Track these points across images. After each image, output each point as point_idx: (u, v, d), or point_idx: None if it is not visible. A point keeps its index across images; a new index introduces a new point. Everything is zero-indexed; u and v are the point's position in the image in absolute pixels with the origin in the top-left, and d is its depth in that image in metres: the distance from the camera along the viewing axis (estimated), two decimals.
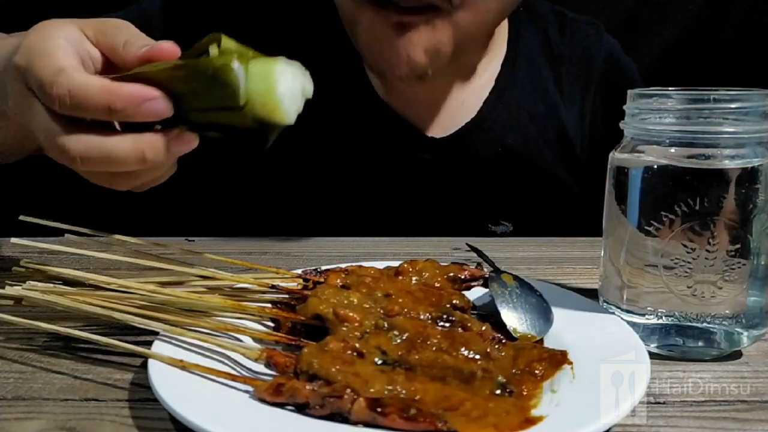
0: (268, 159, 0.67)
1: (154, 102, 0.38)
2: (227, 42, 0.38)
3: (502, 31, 0.79)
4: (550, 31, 0.81)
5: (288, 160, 0.77)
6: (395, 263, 0.50)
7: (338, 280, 0.46)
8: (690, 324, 0.43)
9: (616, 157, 0.45)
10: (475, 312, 0.47)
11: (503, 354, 0.41)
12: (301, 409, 0.34)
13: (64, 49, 0.40)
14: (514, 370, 0.39)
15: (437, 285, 0.48)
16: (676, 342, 0.44)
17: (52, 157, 0.41)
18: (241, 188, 0.80)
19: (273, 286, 0.47)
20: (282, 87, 0.38)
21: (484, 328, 0.43)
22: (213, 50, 0.38)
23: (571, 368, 0.39)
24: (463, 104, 0.77)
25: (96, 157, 0.39)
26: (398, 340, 0.40)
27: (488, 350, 0.40)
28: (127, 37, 0.42)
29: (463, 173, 0.78)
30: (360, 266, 0.49)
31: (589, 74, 0.80)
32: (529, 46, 0.80)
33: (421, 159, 0.76)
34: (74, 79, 0.38)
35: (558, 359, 0.40)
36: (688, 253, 0.42)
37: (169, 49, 0.39)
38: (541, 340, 0.44)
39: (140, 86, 0.38)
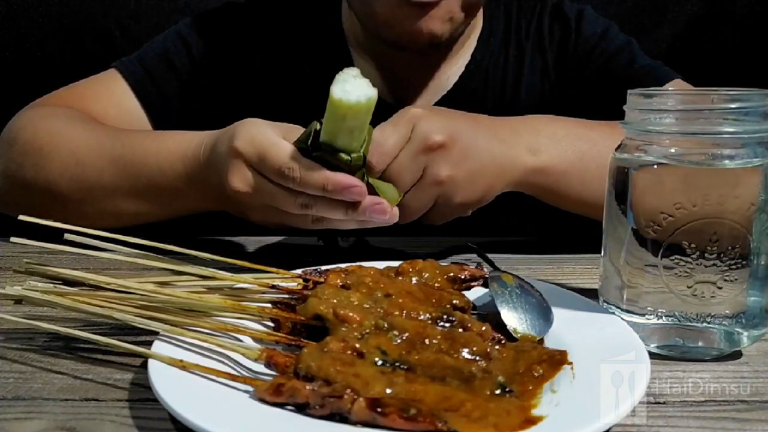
0: None
1: (355, 189, 0.53)
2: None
3: (478, 15, 0.84)
4: (510, 7, 0.86)
5: None
6: (395, 263, 0.50)
7: (338, 280, 0.46)
8: (690, 324, 0.43)
9: (617, 157, 0.45)
10: (475, 312, 0.47)
11: (504, 355, 0.41)
12: (301, 409, 0.34)
13: (284, 143, 0.55)
14: (513, 372, 0.39)
15: (437, 285, 0.48)
16: (676, 342, 0.44)
17: (256, 220, 0.60)
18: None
19: (273, 286, 0.47)
20: (352, 97, 0.50)
21: (484, 328, 0.43)
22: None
23: (571, 368, 0.39)
24: (439, 80, 0.83)
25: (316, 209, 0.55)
26: (398, 341, 0.40)
27: (488, 350, 0.40)
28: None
29: None
30: (360, 266, 0.49)
31: (541, 32, 0.85)
32: (499, 24, 0.86)
33: None
34: (304, 166, 0.53)
35: (558, 360, 0.40)
36: (688, 253, 0.42)
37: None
38: (542, 340, 0.44)
39: (346, 176, 0.53)
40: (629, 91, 0.45)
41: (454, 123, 0.60)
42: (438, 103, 0.81)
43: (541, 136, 0.64)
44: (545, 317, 0.45)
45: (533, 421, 0.33)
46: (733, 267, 0.41)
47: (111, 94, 0.79)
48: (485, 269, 0.50)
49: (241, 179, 0.56)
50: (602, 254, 0.47)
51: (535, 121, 0.66)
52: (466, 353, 0.40)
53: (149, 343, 0.40)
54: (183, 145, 0.63)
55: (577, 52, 0.83)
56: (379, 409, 0.33)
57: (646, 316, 0.44)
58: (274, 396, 0.35)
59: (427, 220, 0.62)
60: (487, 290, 0.48)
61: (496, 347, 0.41)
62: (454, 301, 0.45)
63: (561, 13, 0.85)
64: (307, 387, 0.34)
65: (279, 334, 0.42)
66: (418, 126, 0.58)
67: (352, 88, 0.50)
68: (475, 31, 0.84)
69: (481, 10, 0.84)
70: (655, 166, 0.43)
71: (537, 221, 0.80)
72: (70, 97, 0.78)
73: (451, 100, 0.81)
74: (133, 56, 0.82)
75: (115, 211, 0.67)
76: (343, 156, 0.53)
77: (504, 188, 0.63)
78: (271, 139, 0.55)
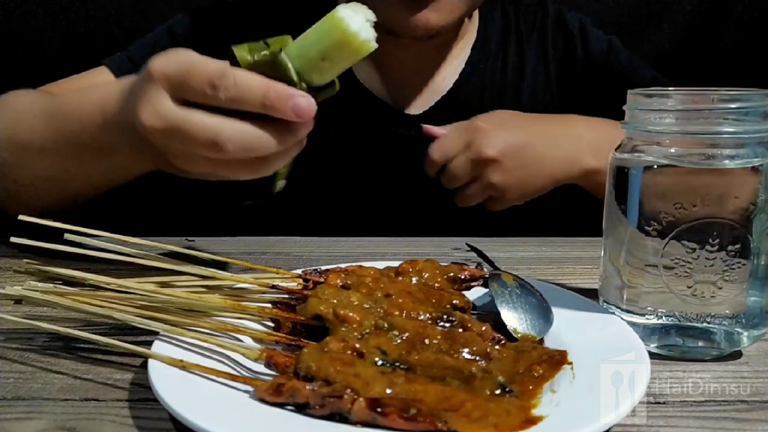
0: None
1: (302, 98, 0.43)
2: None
3: (474, 15, 0.85)
4: (508, 9, 0.87)
5: None
6: (395, 263, 0.50)
7: (338, 281, 0.46)
8: (690, 324, 0.43)
9: (616, 157, 0.45)
10: (475, 312, 0.47)
11: (504, 355, 0.41)
12: (301, 409, 0.34)
13: (213, 60, 0.45)
14: (513, 372, 0.39)
15: (437, 285, 0.48)
16: (676, 342, 0.44)
17: (184, 171, 0.50)
18: (241, 187, 0.80)
19: (273, 286, 0.47)
20: (353, 25, 0.43)
21: (484, 328, 0.43)
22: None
23: (571, 368, 0.39)
24: (436, 83, 0.83)
25: (248, 139, 0.44)
26: (398, 341, 0.40)
27: (488, 350, 0.40)
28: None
29: None
30: (360, 266, 0.49)
31: (544, 41, 0.85)
32: (496, 26, 0.86)
33: (401, 135, 0.81)
34: (239, 74, 0.43)
35: (558, 360, 0.40)
36: (688, 253, 0.42)
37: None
38: (542, 340, 0.44)
39: (289, 87, 0.44)
40: (629, 91, 0.45)
41: (511, 139, 0.70)
42: (436, 106, 0.82)
43: (602, 141, 0.68)
44: (545, 317, 0.45)
45: (533, 421, 0.33)
46: (733, 267, 0.42)
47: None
48: (485, 269, 0.50)
49: (153, 112, 0.45)
50: (602, 254, 0.47)
51: (598, 123, 0.73)
52: (466, 353, 0.40)
53: (149, 343, 0.40)
54: (105, 93, 0.55)
55: (585, 66, 0.83)
56: (379, 409, 0.33)
57: (646, 316, 0.44)
58: (274, 396, 0.35)
59: (486, 207, 0.74)
60: (487, 290, 0.48)
61: (496, 347, 0.41)
62: (454, 301, 0.45)
63: (564, 25, 0.85)
64: (307, 387, 0.34)
65: (279, 334, 0.42)
66: (477, 139, 0.70)
67: (359, 23, 0.44)
68: (470, 32, 0.84)
69: (477, 11, 0.84)
70: (655, 166, 0.43)
71: (538, 221, 0.80)
72: (53, 90, 0.75)
73: (449, 103, 0.82)
74: (124, 53, 0.81)
75: (46, 175, 0.63)
76: (293, 77, 0.45)
77: (558, 184, 0.73)
78: (197, 56, 0.46)
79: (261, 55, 0.45)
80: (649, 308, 0.44)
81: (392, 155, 0.80)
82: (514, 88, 0.84)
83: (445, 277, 0.49)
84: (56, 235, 0.48)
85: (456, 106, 0.81)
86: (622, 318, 0.45)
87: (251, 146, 0.45)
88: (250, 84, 0.43)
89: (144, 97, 0.46)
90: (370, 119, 0.80)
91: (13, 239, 0.48)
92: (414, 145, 0.77)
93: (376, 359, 0.38)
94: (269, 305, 0.46)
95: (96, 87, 0.59)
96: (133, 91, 0.48)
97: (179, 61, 0.45)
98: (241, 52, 0.45)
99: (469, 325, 0.43)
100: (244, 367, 0.39)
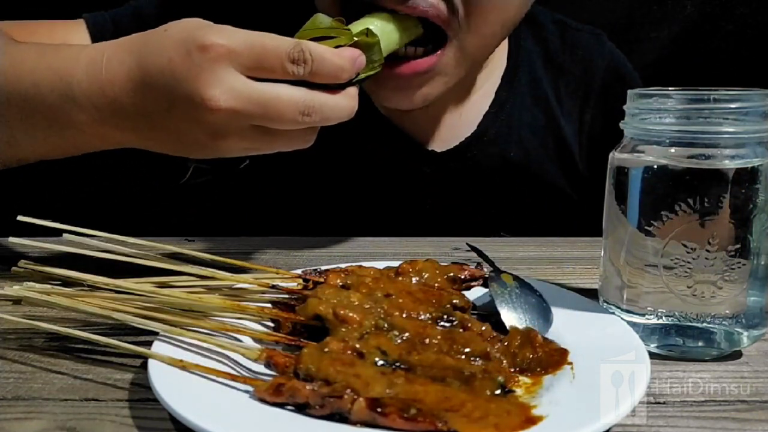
0: (269, 164, 0.68)
1: (361, 58, 0.49)
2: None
3: (503, 42, 0.78)
4: (551, 41, 0.80)
5: (290, 169, 0.77)
6: (395, 263, 0.50)
7: (338, 280, 0.46)
8: (690, 324, 0.43)
9: (616, 157, 0.45)
10: (475, 312, 0.47)
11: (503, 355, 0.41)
12: (301, 409, 0.34)
13: (275, 35, 0.46)
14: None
15: (437, 285, 0.48)
16: (676, 342, 0.44)
17: (223, 152, 0.48)
18: (242, 189, 0.80)
19: (273, 286, 0.46)
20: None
21: (484, 328, 0.43)
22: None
23: (571, 368, 0.39)
24: (461, 117, 0.77)
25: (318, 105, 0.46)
26: (398, 341, 0.40)
27: (488, 350, 0.40)
28: None
29: (464, 186, 0.78)
30: (360, 266, 0.49)
31: (589, 85, 0.79)
32: (530, 57, 0.79)
33: (422, 172, 0.77)
34: (311, 46, 0.46)
35: (558, 360, 0.40)
36: (688, 253, 0.42)
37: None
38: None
39: (354, 50, 0.48)
40: (629, 91, 0.45)
41: None
42: (460, 145, 0.77)
43: None
44: (545, 317, 0.45)
45: (533, 421, 0.33)
46: (733, 267, 0.42)
47: (64, 39, 0.69)
48: (485, 269, 0.50)
49: (230, 91, 0.44)
50: (602, 254, 0.47)
51: None
52: (466, 353, 0.40)
53: (149, 343, 0.40)
54: (68, 61, 0.49)
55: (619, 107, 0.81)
56: (379, 409, 0.33)
57: (646, 316, 0.44)
58: (274, 396, 0.35)
59: None
60: (487, 290, 0.48)
61: (496, 346, 0.41)
62: (454, 301, 0.45)
63: (619, 75, 0.79)
64: (307, 387, 0.34)
65: (279, 334, 0.42)
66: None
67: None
68: (497, 69, 0.78)
69: (507, 45, 0.78)
70: (655, 166, 0.43)
71: (538, 221, 0.80)
72: (19, 30, 0.64)
73: (474, 142, 0.76)
74: (108, 12, 0.75)
75: None
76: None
77: None
78: (259, 33, 0.45)
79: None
80: (649, 308, 0.44)
81: (393, 169, 0.78)
82: (546, 126, 0.78)
83: (445, 277, 0.48)
84: (55, 235, 0.47)
85: (484, 143, 0.76)
86: (622, 318, 0.45)
87: (331, 114, 0.47)
88: (324, 55, 0.46)
89: (212, 76, 0.44)
90: (368, 131, 0.76)
91: (12, 239, 0.48)
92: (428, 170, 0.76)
93: (376, 359, 0.38)
94: (269, 305, 0.46)
95: (57, 48, 0.52)
96: (165, 79, 0.45)
97: (244, 38, 0.44)
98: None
99: (469, 325, 0.43)
100: (244, 367, 0.39)
